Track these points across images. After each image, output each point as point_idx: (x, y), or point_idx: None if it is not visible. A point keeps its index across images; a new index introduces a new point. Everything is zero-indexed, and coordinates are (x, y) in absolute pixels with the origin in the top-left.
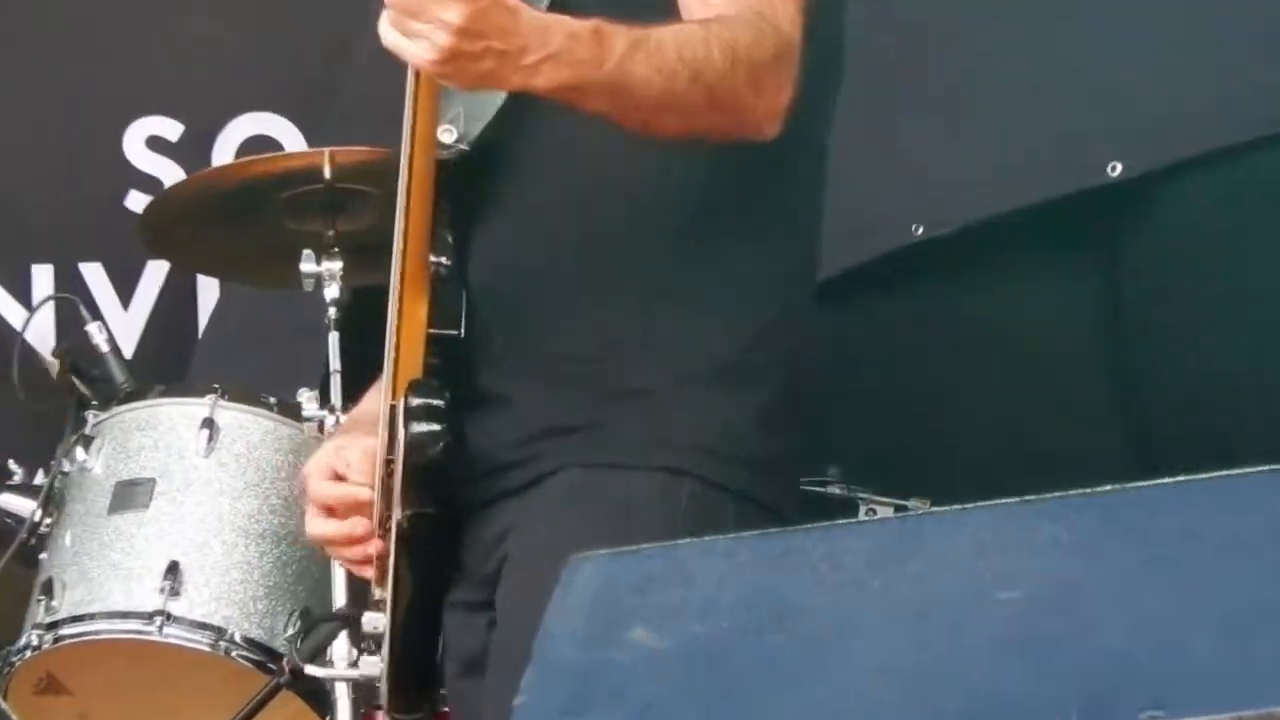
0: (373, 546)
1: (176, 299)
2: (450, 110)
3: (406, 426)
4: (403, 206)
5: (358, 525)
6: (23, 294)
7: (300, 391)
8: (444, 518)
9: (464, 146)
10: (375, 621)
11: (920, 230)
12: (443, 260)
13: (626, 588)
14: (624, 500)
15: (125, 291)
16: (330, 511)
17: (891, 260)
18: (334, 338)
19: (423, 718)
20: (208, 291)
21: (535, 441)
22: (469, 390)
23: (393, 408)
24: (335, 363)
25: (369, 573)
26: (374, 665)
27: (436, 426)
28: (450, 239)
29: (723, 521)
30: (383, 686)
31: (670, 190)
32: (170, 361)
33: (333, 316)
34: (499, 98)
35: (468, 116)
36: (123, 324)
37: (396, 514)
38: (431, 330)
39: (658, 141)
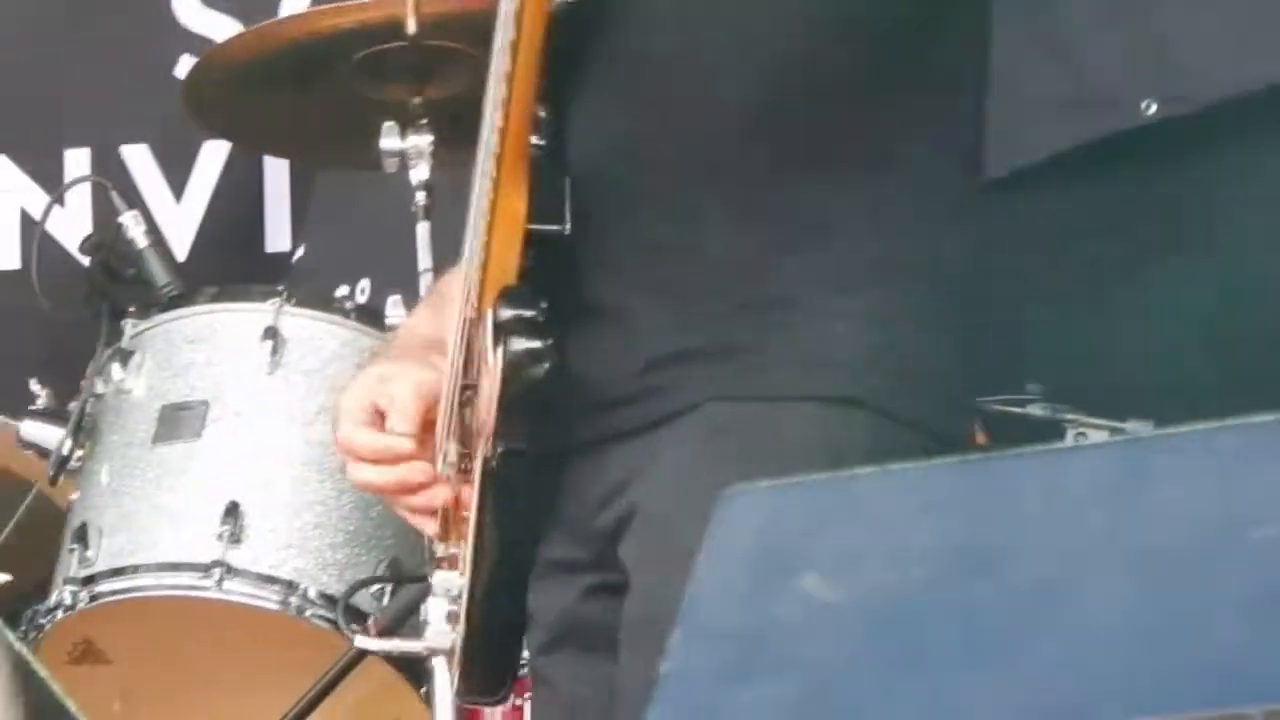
0: (439, 493)
1: (238, 186)
2: None
3: (503, 343)
4: (503, 71)
5: (414, 471)
6: (54, 184)
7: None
8: (541, 456)
9: None
10: (449, 583)
11: (1153, 108)
12: (540, 141)
13: (794, 527)
14: (782, 442)
15: (177, 179)
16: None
17: (1112, 143)
18: (423, 228)
19: (499, 701)
20: (276, 176)
21: (661, 369)
22: (573, 302)
23: (471, 321)
24: (426, 259)
25: (430, 525)
26: (444, 636)
27: (539, 343)
28: (544, 114)
29: (894, 458)
30: (455, 663)
31: (813, 50)
32: (233, 264)
33: (421, 203)
34: None
35: None
36: (174, 218)
37: (483, 451)
38: (531, 226)
39: None
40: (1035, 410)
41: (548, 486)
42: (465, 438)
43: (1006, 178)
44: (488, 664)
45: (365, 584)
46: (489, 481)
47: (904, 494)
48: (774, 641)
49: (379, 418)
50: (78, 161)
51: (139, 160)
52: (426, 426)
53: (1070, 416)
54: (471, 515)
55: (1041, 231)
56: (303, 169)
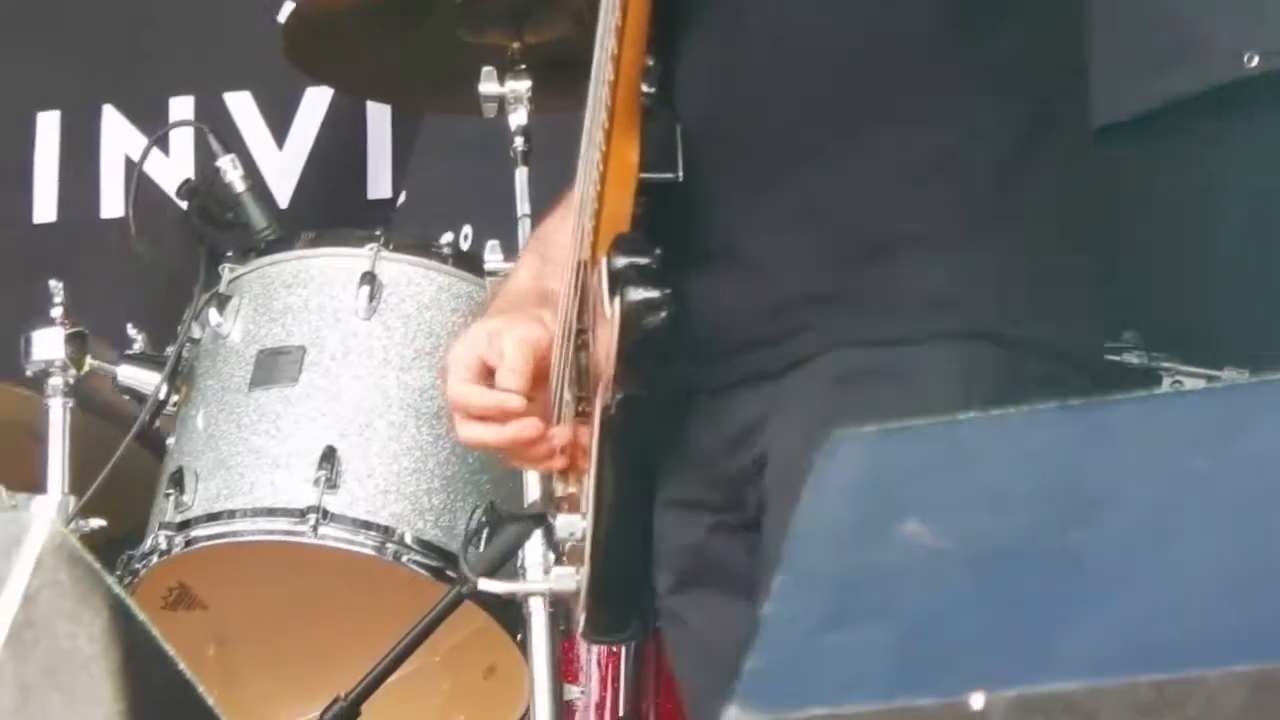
0: (559, 437)
1: (340, 133)
2: None
3: (620, 292)
4: (613, 24)
5: (525, 428)
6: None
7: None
8: (661, 401)
9: None
10: (570, 526)
11: (1254, 61)
12: (650, 90)
13: (898, 472)
14: (913, 382)
15: (279, 126)
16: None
17: (1212, 95)
18: (522, 174)
19: (627, 639)
20: (379, 122)
21: (788, 313)
22: (692, 249)
23: (584, 268)
24: (525, 205)
25: (556, 466)
26: (567, 578)
27: (656, 292)
28: (653, 63)
29: (1028, 390)
30: (579, 603)
31: None
32: (335, 211)
33: (520, 149)
34: None
35: None
36: (276, 165)
37: (602, 398)
38: (644, 175)
39: None
40: (1131, 358)
41: (670, 429)
42: (581, 382)
43: (1105, 127)
44: (612, 603)
45: (476, 534)
46: (608, 427)
47: (1007, 440)
48: (876, 586)
49: (488, 373)
50: (182, 109)
51: (242, 107)
52: (536, 381)
53: (1167, 364)
54: (591, 460)
55: (1139, 181)
56: (405, 116)
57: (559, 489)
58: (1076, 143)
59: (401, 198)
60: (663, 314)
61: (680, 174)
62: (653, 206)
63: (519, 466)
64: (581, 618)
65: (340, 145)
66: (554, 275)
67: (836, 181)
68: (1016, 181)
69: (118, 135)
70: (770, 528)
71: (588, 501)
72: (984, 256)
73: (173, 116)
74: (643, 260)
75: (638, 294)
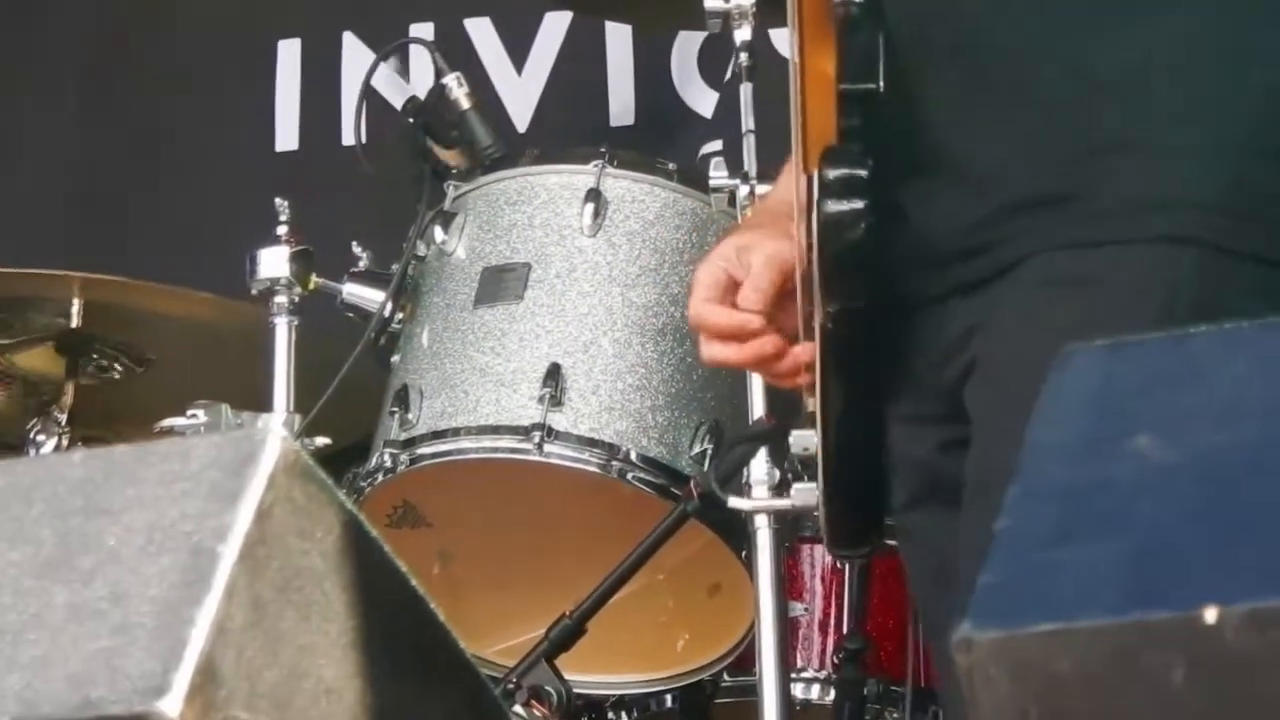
0: (803, 352)
1: (580, 58)
2: None
3: (820, 205)
4: None
5: (765, 345)
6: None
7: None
8: (878, 313)
9: None
10: (805, 441)
11: None
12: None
13: (1129, 387)
14: (1116, 283)
15: (519, 51)
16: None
17: None
18: (747, 90)
19: (869, 552)
20: (620, 46)
21: (1001, 220)
22: (901, 159)
23: (810, 180)
24: (749, 121)
25: (803, 382)
26: (809, 493)
27: (856, 203)
28: None
29: (1236, 294)
30: (820, 517)
31: None
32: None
33: (744, 64)
34: None
35: None
36: (515, 91)
37: (818, 311)
38: (843, 86)
39: None
40: None
41: (891, 343)
42: (813, 297)
43: None
44: (848, 519)
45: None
46: (826, 340)
47: (1237, 352)
48: (1109, 501)
49: (734, 288)
50: (422, 35)
51: (482, 33)
52: (783, 297)
53: None
54: (816, 374)
55: None
56: (646, 42)
57: (809, 404)
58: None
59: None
60: (861, 226)
61: (881, 84)
62: (863, 118)
63: (772, 383)
64: (824, 532)
65: (580, 71)
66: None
67: (1051, 86)
68: (1225, 84)
69: (358, 62)
70: (979, 436)
71: (817, 417)
72: (1191, 159)
73: (412, 42)
74: (852, 171)
75: (834, 207)
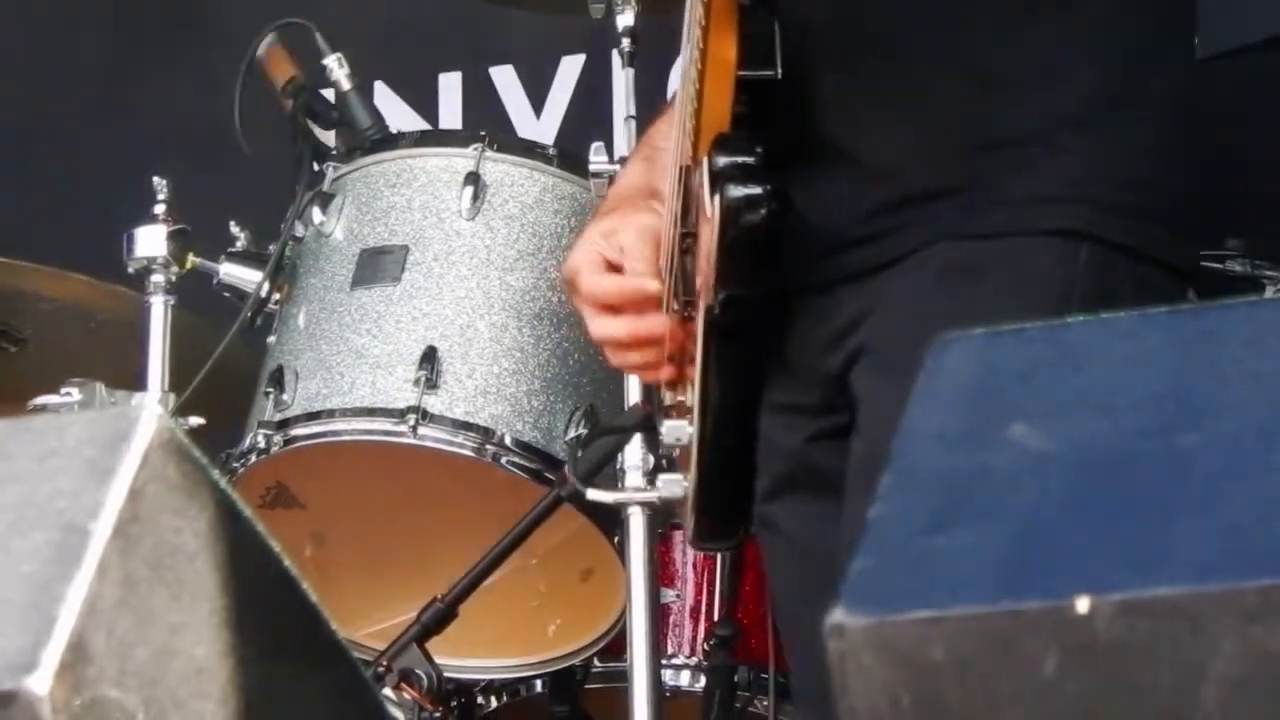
0: (668, 343)
1: (590, 96)
2: None
3: (720, 190)
4: None
5: (655, 323)
6: (428, 107)
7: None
8: (765, 302)
9: None
10: (677, 432)
11: None
12: None
13: (1006, 375)
14: (1010, 275)
15: (537, 96)
16: (614, 309)
17: None
18: (627, 75)
19: (733, 546)
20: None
21: (891, 211)
22: (792, 148)
23: (687, 169)
24: (630, 107)
25: (665, 376)
26: (675, 484)
27: (757, 189)
28: None
29: (1125, 291)
30: (687, 510)
31: None
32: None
33: (626, 50)
34: None
35: None
36: (534, 133)
37: (706, 299)
38: (742, 73)
39: None
40: (1234, 266)
41: (772, 331)
42: (687, 287)
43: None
44: (718, 511)
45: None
46: (712, 329)
47: (1115, 343)
48: (983, 489)
49: (612, 270)
50: (449, 83)
51: (505, 79)
52: (659, 272)
53: (1270, 273)
54: (696, 363)
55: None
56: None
57: (667, 397)
58: (1184, 51)
59: None
60: (763, 211)
61: (779, 72)
62: (754, 106)
63: (635, 371)
64: (690, 525)
65: (589, 110)
66: (660, 177)
67: (944, 79)
68: (1125, 85)
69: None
70: (864, 421)
71: (693, 407)
72: (1089, 157)
73: (443, 88)
74: (744, 159)
75: (738, 191)
